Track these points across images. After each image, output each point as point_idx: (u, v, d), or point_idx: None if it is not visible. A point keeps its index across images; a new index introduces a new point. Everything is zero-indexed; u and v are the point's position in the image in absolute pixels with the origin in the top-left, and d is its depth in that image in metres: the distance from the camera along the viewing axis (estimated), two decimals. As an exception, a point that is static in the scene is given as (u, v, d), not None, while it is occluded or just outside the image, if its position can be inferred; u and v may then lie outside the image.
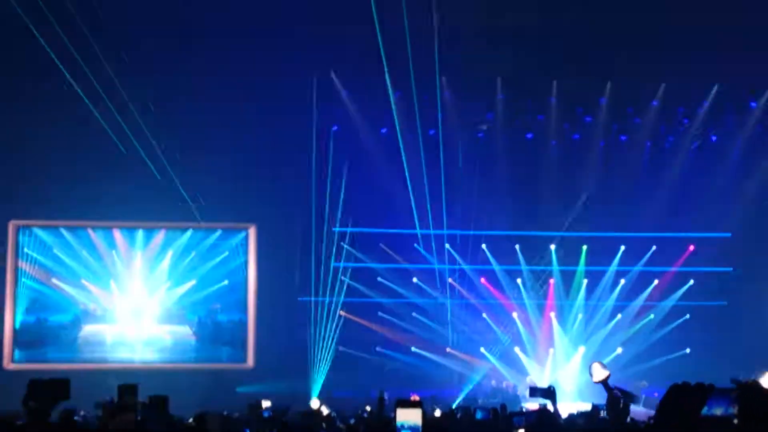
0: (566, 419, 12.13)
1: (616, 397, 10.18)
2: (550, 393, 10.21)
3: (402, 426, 6.37)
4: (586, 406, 14.22)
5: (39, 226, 28.09)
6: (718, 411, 3.27)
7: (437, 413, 14.63)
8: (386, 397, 14.47)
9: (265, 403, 16.97)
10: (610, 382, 10.69)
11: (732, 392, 3.31)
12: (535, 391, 10.42)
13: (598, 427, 10.96)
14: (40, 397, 6.15)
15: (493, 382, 27.30)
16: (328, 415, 15.39)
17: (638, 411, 22.08)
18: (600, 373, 10.28)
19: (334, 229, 28.50)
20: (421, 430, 6.38)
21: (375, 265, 28.53)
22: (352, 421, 14.49)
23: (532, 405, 12.18)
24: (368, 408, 17.57)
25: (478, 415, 12.32)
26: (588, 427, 11.16)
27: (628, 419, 10.87)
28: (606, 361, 27.20)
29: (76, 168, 26.53)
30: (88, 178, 26.53)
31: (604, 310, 29.08)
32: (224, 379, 27.18)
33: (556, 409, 10.25)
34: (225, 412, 15.38)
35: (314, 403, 19.02)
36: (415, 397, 14.13)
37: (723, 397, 3.31)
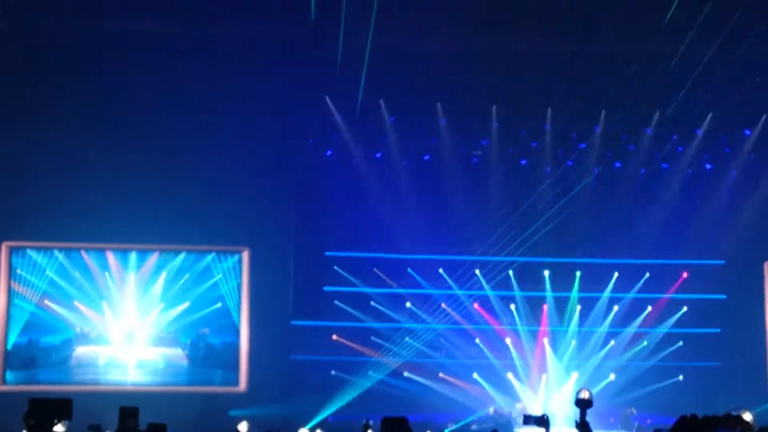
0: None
1: (586, 425, 10.19)
2: (543, 421, 10.21)
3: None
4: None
5: (32, 247, 28.01)
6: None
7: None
8: (371, 423, 14.41)
9: (242, 427, 16.87)
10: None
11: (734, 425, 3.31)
12: (528, 419, 10.43)
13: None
14: (40, 416, 6.14)
15: (491, 410, 27.22)
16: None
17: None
18: (584, 395, 10.28)
19: (326, 253, 28.50)
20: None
21: (368, 290, 28.50)
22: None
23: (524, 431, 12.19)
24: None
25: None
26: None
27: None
28: (599, 387, 27.38)
29: (70, 189, 26.46)
30: (81, 200, 26.48)
31: (597, 336, 29.07)
32: (216, 403, 27.06)
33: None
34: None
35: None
36: None
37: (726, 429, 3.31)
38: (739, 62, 25.02)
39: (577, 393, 10.44)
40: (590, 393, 10.46)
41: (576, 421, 10.19)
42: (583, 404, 10.25)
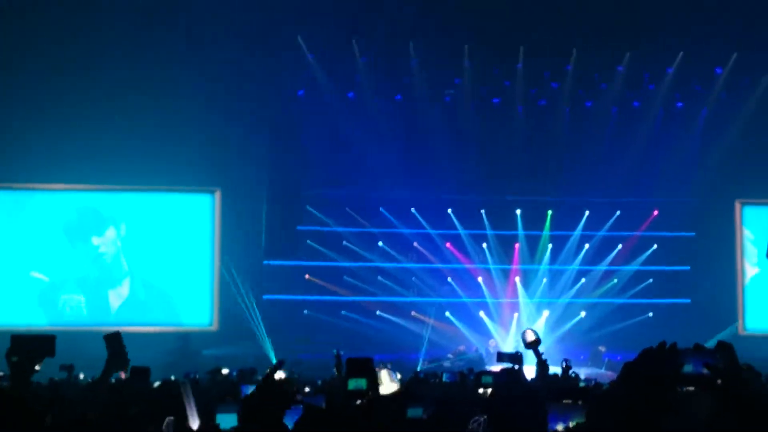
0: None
1: (544, 362, 10.34)
2: (516, 358, 10.31)
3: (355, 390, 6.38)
4: (554, 369, 14.35)
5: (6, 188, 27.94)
6: (702, 369, 3.30)
7: (398, 376, 14.65)
8: (342, 354, 14.48)
9: (225, 371, 17.02)
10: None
11: (714, 351, 3.34)
12: (502, 357, 10.52)
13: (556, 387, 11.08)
14: (23, 353, 6.12)
15: (462, 347, 27.43)
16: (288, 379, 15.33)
17: (602, 374, 22.36)
18: (530, 337, 10.40)
19: (299, 193, 28.48)
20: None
21: (340, 229, 28.53)
22: (319, 382, 14.57)
23: (496, 368, 12.31)
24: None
25: (446, 377, 12.47)
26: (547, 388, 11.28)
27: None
28: (570, 324, 27.66)
29: (38, 130, 26.20)
30: (51, 141, 26.26)
31: (568, 274, 29.28)
32: (190, 342, 27.14)
33: (522, 373, 10.36)
34: (192, 375, 15.43)
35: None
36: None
37: (704, 355, 3.34)
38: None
39: (523, 336, 10.51)
40: (534, 331, 10.54)
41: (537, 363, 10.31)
42: (533, 345, 10.35)
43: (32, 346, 6.26)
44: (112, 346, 6.86)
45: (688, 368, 3.34)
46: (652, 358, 3.31)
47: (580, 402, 6.29)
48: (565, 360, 13.11)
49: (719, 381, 3.24)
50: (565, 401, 6.37)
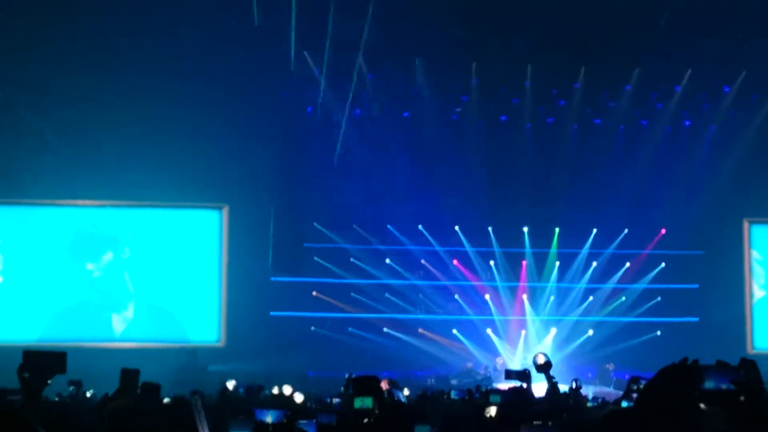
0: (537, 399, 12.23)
1: (555, 384, 10.34)
2: (525, 376, 10.29)
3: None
4: (562, 388, 14.31)
5: (12, 203, 27.94)
6: (723, 386, 3.29)
7: (406, 392, 14.65)
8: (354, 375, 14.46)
9: (230, 383, 16.99)
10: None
11: (738, 368, 3.32)
12: (510, 374, 10.50)
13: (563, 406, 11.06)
14: (34, 369, 6.12)
15: (469, 365, 27.38)
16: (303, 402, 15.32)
17: (608, 392, 22.29)
18: (541, 360, 10.42)
19: (307, 209, 28.48)
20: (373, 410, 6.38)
21: (348, 246, 28.53)
22: (328, 400, 14.54)
23: (504, 386, 12.28)
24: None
25: (454, 395, 12.45)
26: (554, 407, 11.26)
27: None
28: (577, 342, 27.61)
29: (44, 145, 26.23)
30: (56, 156, 26.30)
31: (575, 292, 29.22)
32: (197, 359, 27.08)
33: (530, 391, 10.35)
34: (199, 392, 15.40)
35: (286, 389, 18.62)
36: (385, 384, 14.19)
37: (728, 371, 3.32)
38: (718, 18, 25.06)
39: (534, 359, 10.52)
40: (546, 355, 10.54)
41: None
42: (544, 368, 10.35)
43: (44, 362, 6.27)
44: (126, 382, 6.85)
45: (709, 385, 3.32)
46: (673, 374, 3.28)
47: (549, 424, 6.27)
48: (575, 380, 13.07)
49: (742, 398, 3.22)
50: (535, 423, 6.34)
